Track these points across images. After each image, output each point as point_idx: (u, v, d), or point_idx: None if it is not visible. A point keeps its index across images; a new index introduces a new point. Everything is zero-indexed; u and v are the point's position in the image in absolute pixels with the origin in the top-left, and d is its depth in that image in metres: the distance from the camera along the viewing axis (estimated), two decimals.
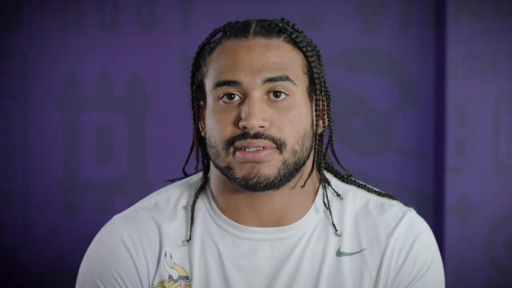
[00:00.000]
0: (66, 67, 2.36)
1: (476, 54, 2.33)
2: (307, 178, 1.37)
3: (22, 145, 2.37)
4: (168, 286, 1.34)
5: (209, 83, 1.34)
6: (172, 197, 1.42)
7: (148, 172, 2.39)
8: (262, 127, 1.29)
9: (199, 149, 1.43)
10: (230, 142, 1.30)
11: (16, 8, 2.33)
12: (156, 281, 1.35)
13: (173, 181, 1.48)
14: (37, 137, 2.36)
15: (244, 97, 1.30)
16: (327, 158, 1.46)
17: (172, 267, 1.35)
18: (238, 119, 1.30)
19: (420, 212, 1.46)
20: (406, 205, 1.42)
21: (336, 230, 1.38)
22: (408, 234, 1.38)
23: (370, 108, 2.40)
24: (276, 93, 1.31)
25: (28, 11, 2.33)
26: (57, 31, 2.35)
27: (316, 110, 1.35)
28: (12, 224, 2.37)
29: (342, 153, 2.33)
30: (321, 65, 1.39)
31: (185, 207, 1.40)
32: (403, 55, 2.39)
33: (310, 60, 1.35)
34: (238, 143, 1.29)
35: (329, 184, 1.42)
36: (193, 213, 1.38)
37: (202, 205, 1.40)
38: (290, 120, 1.30)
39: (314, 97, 1.36)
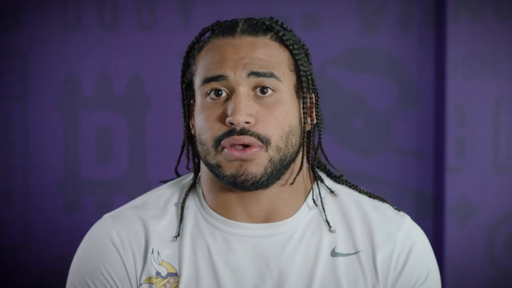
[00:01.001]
0: (66, 67, 2.36)
1: (476, 54, 2.33)
2: (296, 175, 1.37)
3: (22, 145, 2.37)
4: (156, 282, 1.35)
5: (197, 81, 1.35)
6: (162, 196, 1.43)
7: (148, 172, 2.39)
8: (248, 122, 1.30)
9: (189, 147, 1.44)
10: (219, 140, 1.31)
11: (16, 8, 2.33)
12: (143, 278, 1.36)
13: (165, 182, 1.49)
14: (37, 137, 2.36)
15: (231, 93, 1.31)
16: (318, 157, 1.47)
17: (160, 264, 1.36)
18: (224, 116, 1.31)
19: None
20: (396, 209, 1.43)
21: (330, 227, 1.38)
22: (405, 241, 1.38)
23: (370, 108, 2.40)
24: (263, 89, 1.32)
25: (28, 11, 2.33)
26: (57, 31, 2.35)
27: (303, 108, 1.36)
28: (12, 224, 2.38)
29: (342, 153, 2.34)
30: (309, 63, 1.40)
31: (176, 205, 1.41)
32: (403, 55, 2.39)
33: (297, 58, 1.35)
34: (225, 141, 1.30)
35: (322, 181, 1.42)
36: (183, 210, 1.39)
37: (193, 203, 1.40)
38: (276, 116, 1.31)
39: (302, 95, 1.37)
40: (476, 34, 2.33)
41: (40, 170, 2.37)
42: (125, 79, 2.38)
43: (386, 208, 1.42)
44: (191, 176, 1.46)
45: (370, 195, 1.43)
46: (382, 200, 1.43)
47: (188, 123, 1.42)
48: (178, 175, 1.50)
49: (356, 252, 1.37)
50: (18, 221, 2.38)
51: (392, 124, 2.41)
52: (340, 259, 1.36)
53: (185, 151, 1.45)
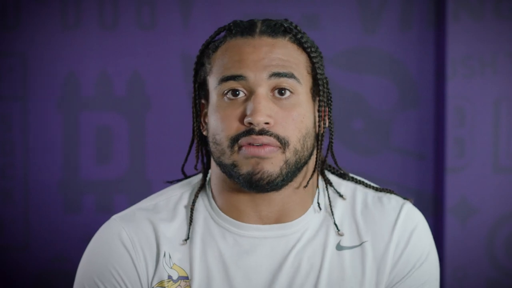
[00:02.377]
0: (66, 67, 2.36)
1: (476, 54, 2.33)
2: (310, 179, 1.37)
3: (22, 145, 2.37)
4: (168, 286, 1.34)
5: (213, 80, 1.34)
6: (172, 199, 1.42)
7: (148, 172, 2.39)
8: (267, 123, 1.29)
9: (200, 147, 1.43)
10: (235, 140, 1.30)
11: (16, 8, 2.33)
12: (155, 281, 1.35)
13: (171, 182, 1.48)
14: (37, 137, 2.36)
15: (250, 93, 1.31)
16: (322, 157, 1.47)
17: (171, 268, 1.35)
18: (243, 116, 1.30)
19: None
20: (404, 197, 1.43)
21: (339, 230, 1.38)
22: (406, 225, 1.39)
23: (370, 108, 2.40)
24: (281, 91, 1.31)
25: (28, 11, 2.33)
26: (57, 31, 2.35)
27: (319, 111, 1.36)
28: (12, 224, 2.37)
29: (342, 153, 2.34)
30: (323, 67, 1.39)
31: (185, 207, 1.40)
32: (403, 55, 2.39)
33: (314, 61, 1.35)
34: (243, 140, 1.29)
35: (331, 185, 1.42)
36: (192, 213, 1.38)
37: (202, 205, 1.40)
38: (294, 118, 1.31)
39: (317, 98, 1.37)
40: (476, 34, 2.33)
41: (40, 170, 2.37)
42: (125, 79, 2.38)
43: (389, 198, 1.42)
44: (199, 177, 1.45)
45: (377, 189, 1.44)
46: (389, 191, 1.43)
47: (199, 123, 1.41)
48: (185, 175, 1.49)
49: (361, 244, 1.37)
50: (18, 221, 2.38)
51: (392, 124, 2.41)
52: (345, 252, 1.37)
53: (194, 151, 1.44)
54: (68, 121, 2.37)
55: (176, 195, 1.42)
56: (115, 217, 1.40)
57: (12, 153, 2.37)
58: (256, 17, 1.41)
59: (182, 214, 1.39)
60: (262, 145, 1.29)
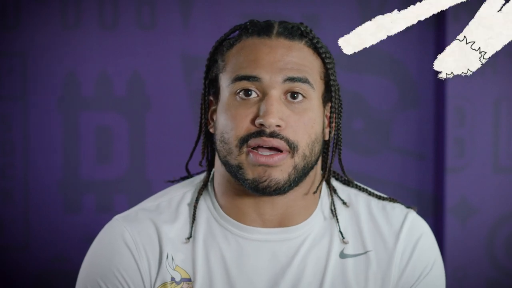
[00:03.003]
0: (66, 67, 2.36)
1: None
2: (319, 184, 1.37)
3: (22, 145, 2.37)
4: None
5: (226, 78, 1.34)
6: (174, 199, 1.41)
7: (148, 172, 2.39)
8: (279, 126, 1.29)
9: (206, 144, 1.42)
10: (245, 140, 1.30)
11: (16, 8, 2.33)
12: (158, 283, 1.34)
13: (172, 182, 1.48)
14: (37, 137, 2.36)
15: (263, 95, 1.30)
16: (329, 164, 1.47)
17: (174, 269, 1.35)
18: (254, 117, 1.29)
19: (420, 212, 1.46)
20: (407, 206, 1.43)
21: (343, 238, 1.38)
22: (411, 235, 1.39)
23: (370, 108, 2.40)
24: (294, 95, 1.31)
25: (28, 11, 2.33)
26: (57, 31, 2.35)
27: (330, 117, 1.36)
28: (12, 224, 2.37)
29: (342, 153, 2.34)
30: (336, 73, 1.39)
31: (188, 205, 1.40)
32: (403, 55, 2.39)
33: (328, 66, 1.35)
34: (252, 141, 1.29)
35: (335, 192, 1.42)
36: (195, 211, 1.38)
37: (204, 204, 1.39)
38: (305, 123, 1.31)
39: (329, 104, 1.37)
40: None
41: (40, 170, 2.37)
42: (125, 79, 2.37)
43: (394, 207, 1.42)
44: (201, 177, 1.44)
45: (380, 197, 1.43)
46: (393, 200, 1.43)
47: (206, 119, 1.40)
48: (188, 172, 1.48)
49: (365, 252, 1.37)
50: (18, 221, 2.38)
51: (392, 124, 2.41)
52: (349, 260, 1.37)
53: (200, 147, 1.43)
54: (68, 121, 2.37)
55: (178, 195, 1.42)
56: (117, 217, 1.39)
57: (12, 153, 2.37)
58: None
59: (184, 213, 1.39)
60: (271, 154, 1.29)
